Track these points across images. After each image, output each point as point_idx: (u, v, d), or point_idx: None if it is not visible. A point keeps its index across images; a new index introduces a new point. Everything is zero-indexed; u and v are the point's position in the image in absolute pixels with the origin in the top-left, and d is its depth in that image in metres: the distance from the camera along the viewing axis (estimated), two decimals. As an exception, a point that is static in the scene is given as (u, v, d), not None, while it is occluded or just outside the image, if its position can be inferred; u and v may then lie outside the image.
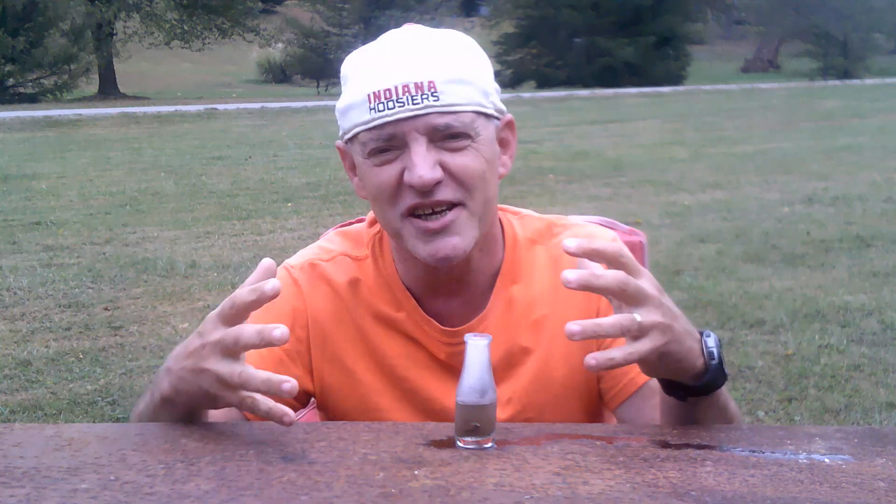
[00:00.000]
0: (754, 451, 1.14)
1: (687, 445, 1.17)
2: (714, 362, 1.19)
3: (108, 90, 29.78)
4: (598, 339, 1.34)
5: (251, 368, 1.14)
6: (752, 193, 9.93)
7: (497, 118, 1.34)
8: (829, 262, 6.70)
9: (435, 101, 1.24)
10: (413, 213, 1.28)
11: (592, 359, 1.10)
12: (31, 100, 27.15)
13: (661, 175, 11.30)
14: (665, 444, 1.17)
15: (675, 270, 6.37)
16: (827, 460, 1.12)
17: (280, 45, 37.96)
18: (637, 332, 1.11)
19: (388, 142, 1.27)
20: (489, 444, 1.14)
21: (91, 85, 30.12)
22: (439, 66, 1.26)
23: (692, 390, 1.20)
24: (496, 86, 1.34)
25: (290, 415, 1.15)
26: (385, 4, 35.43)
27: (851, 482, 1.05)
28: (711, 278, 6.22)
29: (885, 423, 3.84)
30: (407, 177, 1.26)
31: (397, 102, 1.24)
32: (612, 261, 1.12)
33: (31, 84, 28.87)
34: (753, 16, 48.80)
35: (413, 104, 1.24)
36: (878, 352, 4.71)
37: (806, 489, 1.03)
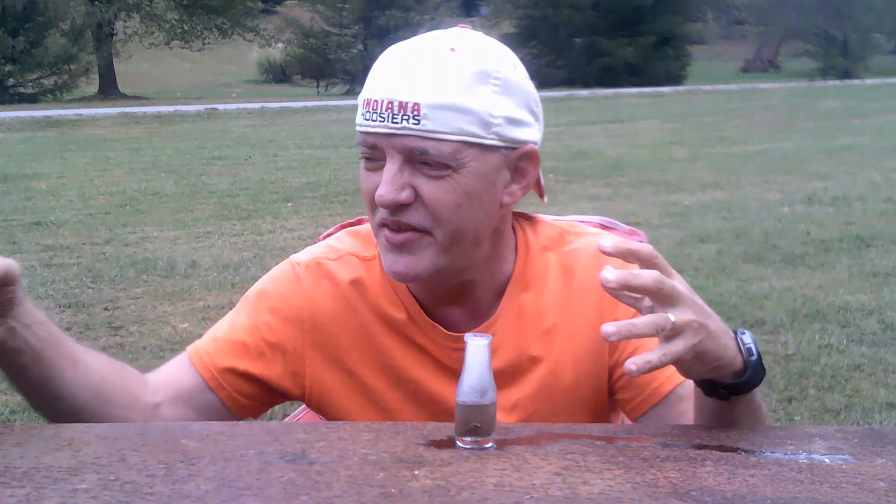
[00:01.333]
0: (754, 451, 1.14)
1: (687, 445, 1.17)
2: (753, 358, 1.19)
3: (108, 90, 29.77)
4: (611, 348, 1.34)
5: None
6: (752, 193, 9.93)
7: (506, 148, 1.27)
8: (829, 262, 6.70)
9: (415, 124, 1.21)
10: (384, 225, 1.28)
11: (633, 363, 1.09)
12: (31, 100, 27.15)
13: (661, 175, 11.30)
14: (665, 444, 1.17)
15: (675, 270, 6.36)
16: (827, 460, 1.12)
17: (280, 45, 37.95)
18: (671, 332, 1.11)
19: (372, 150, 1.26)
20: (489, 444, 1.14)
21: (91, 85, 30.11)
22: (430, 90, 1.21)
23: (734, 388, 1.20)
24: (517, 114, 1.27)
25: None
26: (385, 4, 35.37)
27: (851, 482, 1.05)
28: (711, 278, 6.22)
29: (885, 423, 3.84)
30: (375, 192, 1.26)
31: (379, 116, 1.23)
32: (646, 261, 1.12)
33: (31, 84, 28.86)
34: (753, 16, 48.80)
35: (392, 122, 1.22)
36: (878, 352, 4.71)
37: (806, 489, 1.03)
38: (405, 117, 1.21)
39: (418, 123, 1.21)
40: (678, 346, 1.11)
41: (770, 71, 45.23)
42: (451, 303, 1.37)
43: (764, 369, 1.21)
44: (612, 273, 1.10)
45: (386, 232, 1.28)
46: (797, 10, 42.30)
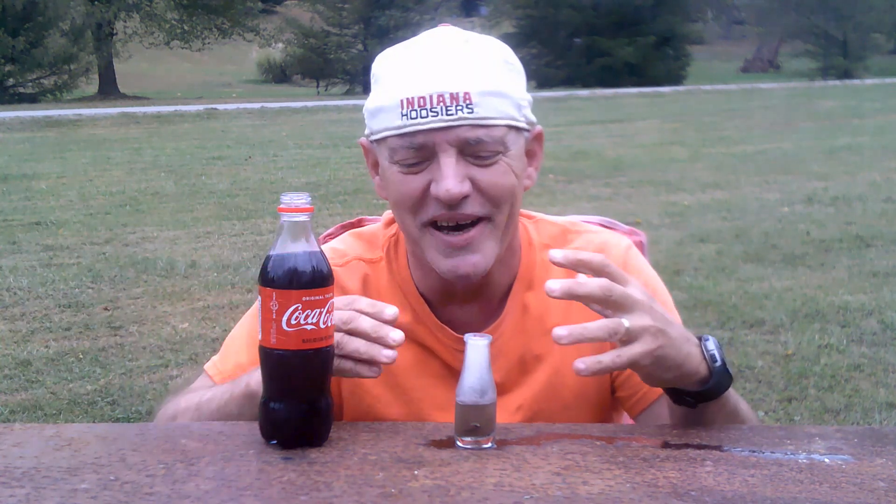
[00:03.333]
0: (754, 451, 1.14)
1: (687, 445, 1.17)
2: (717, 365, 1.18)
3: (108, 90, 29.77)
4: (612, 346, 1.35)
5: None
6: (752, 193, 9.93)
7: (528, 130, 1.31)
8: (829, 262, 6.70)
9: (469, 113, 1.22)
10: (435, 224, 1.27)
11: (581, 363, 1.10)
12: (31, 100, 27.15)
13: (661, 175, 11.29)
14: (665, 444, 1.17)
15: (675, 270, 6.36)
16: (827, 460, 1.12)
17: (280, 45, 37.95)
18: (626, 337, 1.11)
19: (418, 150, 1.24)
20: (489, 444, 1.14)
21: (91, 85, 30.12)
22: (475, 77, 1.23)
23: (700, 396, 1.20)
24: (528, 97, 1.31)
25: (395, 339, 1.15)
26: (385, 4, 35.37)
27: (851, 482, 1.05)
28: (711, 278, 6.22)
29: (885, 423, 3.84)
30: (434, 189, 1.24)
31: (430, 112, 1.22)
32: (597, 270, 1.12)
33: (31, 84, 28.87)
34: (753, 16, 48.77)
35: (447, 115, 1.22)
36: (878, 352, 4.71)
37: (806, 489, 1.03)
38: (458, 107, 1.22)
39: (472, 112, 1.22)
40: (633, 350, 1.11)
41: (770, 71, 45.21)
42: (465, 301, 1.37)
43: (730, 375, 1.20)
44: (556, 283, 1.10)
45: (438, 234, 1.27)
46: (797, 10, 42.30)
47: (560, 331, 1.09)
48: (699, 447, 1.16)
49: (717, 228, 7.97)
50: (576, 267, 1.13)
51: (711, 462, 1.11)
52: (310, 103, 23.95)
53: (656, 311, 1.14)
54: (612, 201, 9.46)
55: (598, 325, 1.10)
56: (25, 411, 3.99)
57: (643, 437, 1.19)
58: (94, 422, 3.90)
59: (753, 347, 4.79)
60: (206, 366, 1.40)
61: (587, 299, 1.12)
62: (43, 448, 1.13)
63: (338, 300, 1.15)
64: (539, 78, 35.16)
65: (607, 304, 1.12)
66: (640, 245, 1.67)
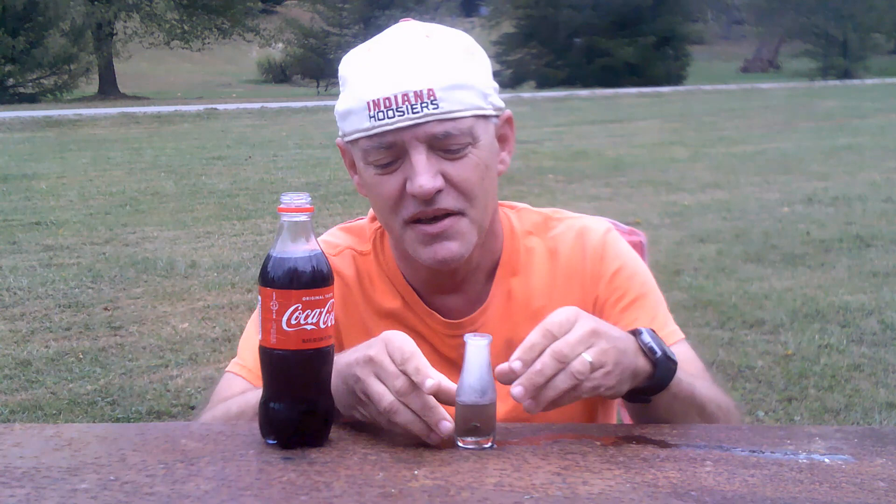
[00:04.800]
0: (754, 451, 1.14)
1: (687, 445, 1.17)
2: (658, 355, 1.19)
3: (108, 90, 29.77)
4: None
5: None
6: (752, 193, 9.93)
7: (496, 117, 1.34)
8: (829, 262, 6.70)
9: (434, 108, 1.24)
10: (415, 220, 1.29)
11: (533, 406, 1.11)
12: (31, 100, 27.13)
13: (661, 175, 11.29)
14: (665, 444, 1.17)
15: (675, 270, 6.36)
16: (827, 460, 1.12)
17: (280, 45, 37.94)
18: (591, 370, 1.12)
19: (388, 150, 1.27)
20: (489, 444, 1.14)
21: (91, 85, 30.11)
22: (438, 73, 1.25)
23: (651, 390, 1.21)
24: (494, 84, 1.33)
25: (446, 422, 1.12)
26: (385, 4, 35.39)
27: (851, 482, 1.05)
28: (711, 278, 6.22)
29: (885, 423, 3.84)
30: (409, 186, 1.27)
31: (397, 111, 1.24)
32: (548, 345, 1.12)
33: (31, 84, 28.84)
34: (753, 16, 48.75)
35: (413, 113, 1.24)
36: (878, 352, 4.71)
37: (806, 489, 1.03)
38: (423, 104, 1.24)
39: (438, 107, 1.25)
40: (599, 379, 1.12)
41: (770, 71, 45.19)
42: (449, 289, 1.40)
43: (672, 360, 1.21)
44: (519, 391, 1.10)
45: (420, 226, 1.29)
46: (797, 10, 42.28)
47: (526, 401, 1.10)
48: (699, 447, 1.16)
49: (717, 228, 7.97)
50: (536, 389, 1.11)
51: (711, 462, 1.11)
52: (310, 103, 23.93)
53: (602, 331, 1.14)
54: (612, 201, 9.46)
55: (562, 379, 1.10)
56: (25, 411, 3.99)
57: (643, 437, 1.19)
58: (94, 422, 3.90)
59: (753, 347, 4.79)
60: (228, 368, 1.42)
61: (568, 391, 1.11)
62: (43, 448, 1.13)
63: (391, 348, 1.13)
64: (539, 78, 35.18)
65: (569, 358, 1.11)
66: (640, 245, 1.68)
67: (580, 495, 1.00)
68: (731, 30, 55.17)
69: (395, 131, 1.25)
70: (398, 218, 1.30)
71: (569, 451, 1.13)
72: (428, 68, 1.26)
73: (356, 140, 1.30)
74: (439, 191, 1.27)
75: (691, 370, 1.32)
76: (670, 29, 37.60)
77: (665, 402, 1.23)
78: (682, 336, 1.41)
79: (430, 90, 1.24)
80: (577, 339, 1.12)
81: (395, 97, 1.24)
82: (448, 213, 1.28)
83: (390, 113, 1.25)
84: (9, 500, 0.98)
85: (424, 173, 1.25)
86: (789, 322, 5.21)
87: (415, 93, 1.24)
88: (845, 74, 38.80)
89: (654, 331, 1.23)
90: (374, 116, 1.26)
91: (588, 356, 1.11)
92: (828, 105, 22.52)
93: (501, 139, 1.36)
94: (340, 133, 1.35)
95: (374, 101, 1.25)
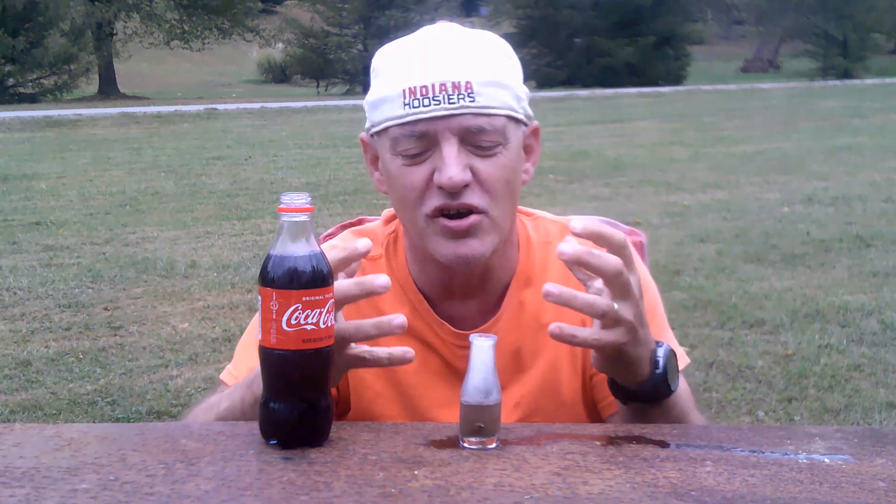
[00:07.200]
0: (754, 451, 1.14)
1: (687, 445, 1.17)
2: (658, 371, 1.19)
3: (108, 90, 29.78)
4: (590, 348, 1.32)
5: (356, 321, 1.14)
6: (752, 193, 9.93)
7: (525, 124, 1.32)
8: (829, 262, 6.70)
9: (471, 101, 1.23)
10: (439, 213, 1.27)
11: (557, 327, 1.11)
12: (31, 100, 27.13)
13: (661, 175, 11.29)
14: (665, 444, 1.17)
15: (674, 270, 6.37)
16: (827, 460, 1.12)
17: (280, 45, 37.93)
18: (609, 322, 1.12)
19: (420, 139, 1.25)
20: (493, 445, 1.14)
21: (91, 85, 30.11)
22: (477, 67, 1.25)
23: (631, 394, 1.21)
24: (527, 90, 1.32)
25: (410, 351, 1.15)
26: (385, 4, 35.35)
27: (851, 482, 1.05)
28: (711, 278, 6.22)
29: (885, 423, 3.84)
30: (436, 177, 1.25)
31: (433, 100, 1.23)
32: (615, 248, 1.12)
33: (31, 84, 28.84)
34: (753, 16, 48.76)
35: (449, 103, 1.23)
36: (878, 352, 4.71)
37: (806, 489, 1.03)
38: (460, 96, 1.23)
39: (474, 101, 1.23)
40: (609, 336, 1.13)
41: (770, 71, 45.17)
42: (464, 297, 1.37)
43: (668, 385, 1.21)
44: (571, 247, 1.10)
45: (444, 221, 1.27)
46: (797, 10, 42.27)
47: (551, 287, 1.09)
48: (699, 447, 1.16)
49: (717, 228, 7.97)
50: (596, 239, 1.12)
51: (711, 462, 1.11)
52: (310, 103, 23.95)
53: (640, 309, 1.15)
54: (612, 201, 9.46)
55: (587, 300, 1.11)
56: (25, 411, 3.99)
57: (643, 437, 1.19)
58: (94, 422, 3.90)
59: (753, 347, 4.79)
60: (221, 375, 1.41)
61: (600, 272, 1.11)
62: (43, 448, 1.13)
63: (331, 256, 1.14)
64: (539, 78, 35.16)
65: (611, 284, 1.12)
66: (640, 245, 1.67)
67: (580, 495, 1.00)
68: (731, 30, 55.16)
69: (429, 120, 1.23)
70: (421, 211, 1.28)
71: (569, 451, 1.13)
72: (467, 61, 1.25)
73: (386, 129, 1.27)
74: (466, 185, 1.25)
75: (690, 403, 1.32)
76: (670, 29, 37.60)
77: (653, 416, 1.24)
78: (688, 360, 1.41)
79: (468, 83, 1.23)
80: (633, 284, 1.12)
81: (433, 86, 1.23)
82: (472, 211, 1.26)
83: (426, 101, 1.23)
84: (9, 500, 0.98)
85: (454, 165, 1.23)
86: (789, 322, 5.21)
87: (452, 83, 1.23)
88: (845, 74, 38.80)
89: (674, 354, 1.22)
90: (408, 104, 1.24)
91: (616, 307, 1.12)
92: (828, 105, 22.52)
93: (527, 149, 1.34)
94: (368, 125, 1.33)
95: (410, 88, 1.24)
